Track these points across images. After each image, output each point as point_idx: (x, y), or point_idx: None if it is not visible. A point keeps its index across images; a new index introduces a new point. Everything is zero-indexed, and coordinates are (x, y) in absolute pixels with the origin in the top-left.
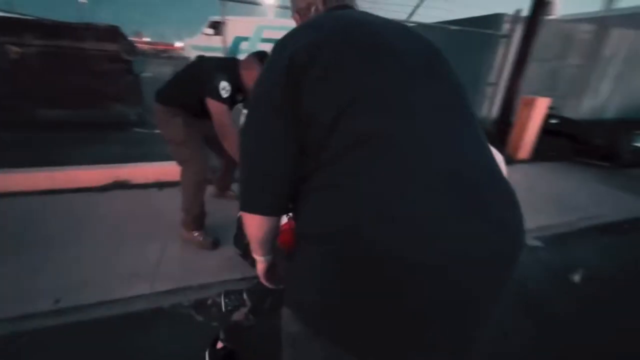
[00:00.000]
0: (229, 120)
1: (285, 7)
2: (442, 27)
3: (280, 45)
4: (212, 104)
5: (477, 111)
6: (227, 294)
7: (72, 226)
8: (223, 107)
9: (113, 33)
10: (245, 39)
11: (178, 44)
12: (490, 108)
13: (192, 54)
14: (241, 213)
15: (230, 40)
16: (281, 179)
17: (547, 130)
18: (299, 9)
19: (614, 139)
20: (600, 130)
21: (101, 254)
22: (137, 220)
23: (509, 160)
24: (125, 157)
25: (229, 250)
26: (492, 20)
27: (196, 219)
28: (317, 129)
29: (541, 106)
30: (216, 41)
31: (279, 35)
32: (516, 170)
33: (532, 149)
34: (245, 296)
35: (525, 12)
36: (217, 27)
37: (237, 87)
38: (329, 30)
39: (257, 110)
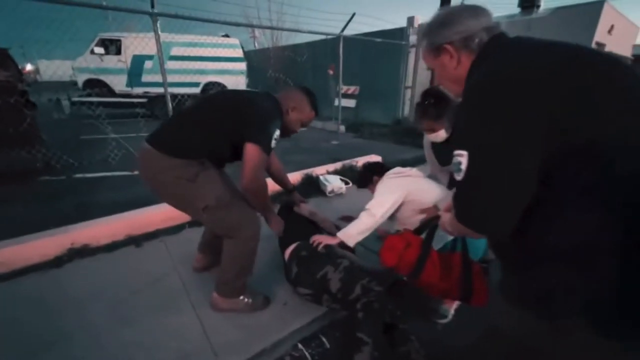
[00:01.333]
0: (264, 176)
1: (172, 16)
2: (363, 39)
3: (515, 79)
4: (254, 153)
5: (399, 111)
6: (305, 343)
7: (52, 320)
8: (264, 159)
9: (1, 57)
10: (150, 57)
11: (29, 67)
12: (411, 108)
13: (80, 78)
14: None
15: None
16: (521, 204)
17: None
18: (452, 41)
19: None
20: None
21: (125, 348)
22: (135, 293)
23: None
24: (58, 216)
25: (278, 297)
26: (398, 33)
27: (245, 283)
28: (585, 153)
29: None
30: (111, 61)
31: (190, 52)
32: None
33: None
34: (360, 335)
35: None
36: (108, 45)
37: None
38: (571, 62)
39: (501, 143)
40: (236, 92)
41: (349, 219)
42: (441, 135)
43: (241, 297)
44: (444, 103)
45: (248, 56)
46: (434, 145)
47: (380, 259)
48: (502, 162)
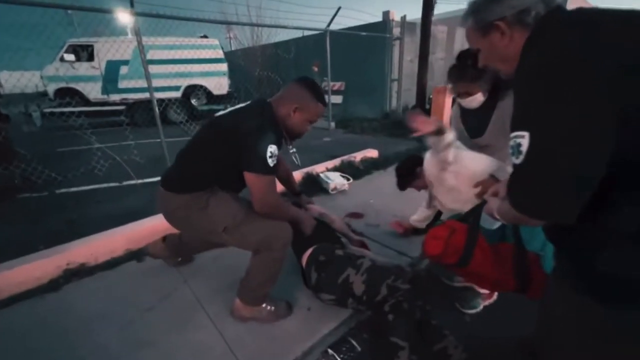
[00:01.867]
0: (277, 196)
1: (153, 16)
2: (349, 33)
3: (583, 57)
4: (254, 180)
5: (386, 104)
6: (335, 348)
7: (58, 349)
8: (269, 181)
9: None
10: (125, 62)
11: None
12: (398, 100)
13: (51, 88)
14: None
15: (104, 65)
16: (590, 189)
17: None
18: (505, 16)
19: None
20: None
21: None
22: (147, 311)
23: None
24: (46, 236)
25: (300, 302)
26: (381, 26)
27: (268, 291)
28: None
29: (450, 92)
30: (85, 69)
31: (168, 55)
32: None
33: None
34: (394, 340)
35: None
36: (79, 51)
37: (281, 139)
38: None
39: (571, 122)
40: (222, 117)
41: (356, 215)
42: (478, 99)
43: (264, 305)
44: None
45: (228, 57)
46: (465, 114)
47: (424, 249)
48: (572, 142)
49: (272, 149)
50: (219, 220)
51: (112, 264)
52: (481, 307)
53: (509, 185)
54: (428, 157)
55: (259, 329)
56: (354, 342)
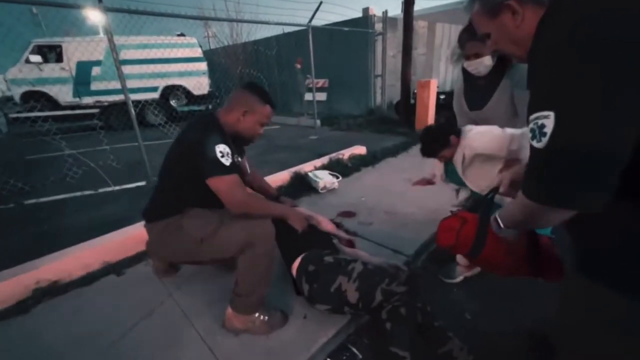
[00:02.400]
0: (245, 192)
1: (124, 11)
2: (331, 29)
3: (606, 20)
4: (216, 183)
5: (371, 101)
6: (335, 357)
7: None
8: (231, 179)
9: None
10: (97, 63)
11: None
12: (382, 96)
13: (17, 91)
14: (534, 205)
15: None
16: (618, 172)
17: (437, 105)
18: None
19: None
20: None
21: None
22: (130, 330)
23: None
24: (13, 252)
25: (296, 310)
26: (363, 21)
27: (261, 298)
28: None
29: (433, 86)
30: (54, 70)
31: (143, 54)
32: None
33: (434, 121)
34: (394, 350)
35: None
36: (47, 52)
37: (228, 139)
38: None
39: (598, 91)
40: (174, 142)
41: (348, 214)
42: (485, 62)
43: (256, 315)
44: None
45: (208, 55)
46: (468, 87)
47: (436, 241)
48: (603, 122)
49: (220, 148)
50: (194, 234)
51: (88, 279)
52: (461, 278)
53: (527, 173)
54: (486, 131)
55: (253, 341)
56: (354, 350)
